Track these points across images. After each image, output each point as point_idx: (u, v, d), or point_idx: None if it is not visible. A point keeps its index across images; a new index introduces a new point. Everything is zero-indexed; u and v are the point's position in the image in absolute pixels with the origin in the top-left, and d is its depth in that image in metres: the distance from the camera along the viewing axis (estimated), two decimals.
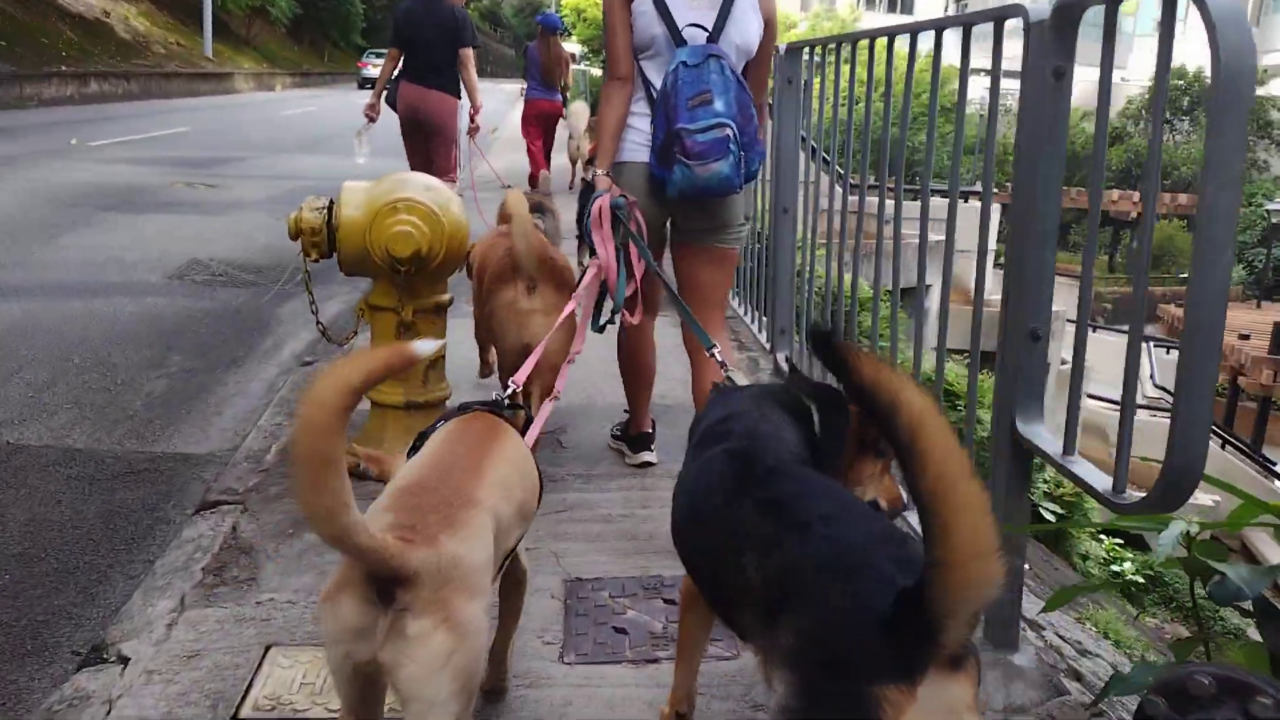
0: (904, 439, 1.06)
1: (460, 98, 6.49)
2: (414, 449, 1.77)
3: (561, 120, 10.00)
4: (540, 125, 9.44)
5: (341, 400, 1.24)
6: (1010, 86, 2.02)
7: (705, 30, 2.69)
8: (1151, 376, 17.41)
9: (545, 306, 3.02)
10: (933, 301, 3.35)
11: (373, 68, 27.98)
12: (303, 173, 11.50)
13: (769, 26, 2.82)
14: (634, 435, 3.31)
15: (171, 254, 6.86)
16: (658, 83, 2.70)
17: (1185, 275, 1.87)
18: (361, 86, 30.92)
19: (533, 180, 8.93)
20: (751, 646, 1.40)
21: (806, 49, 3.89)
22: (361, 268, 3.13)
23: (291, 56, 39.49)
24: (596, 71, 25.31)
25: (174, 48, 27.78)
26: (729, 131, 2.56)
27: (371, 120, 6.59)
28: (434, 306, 3.24)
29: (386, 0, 49.43)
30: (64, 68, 19.79)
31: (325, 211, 3.09)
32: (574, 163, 10.01)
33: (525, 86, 9.41)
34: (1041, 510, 5.78)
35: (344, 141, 15.60)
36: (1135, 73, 55.91)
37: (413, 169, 5.89)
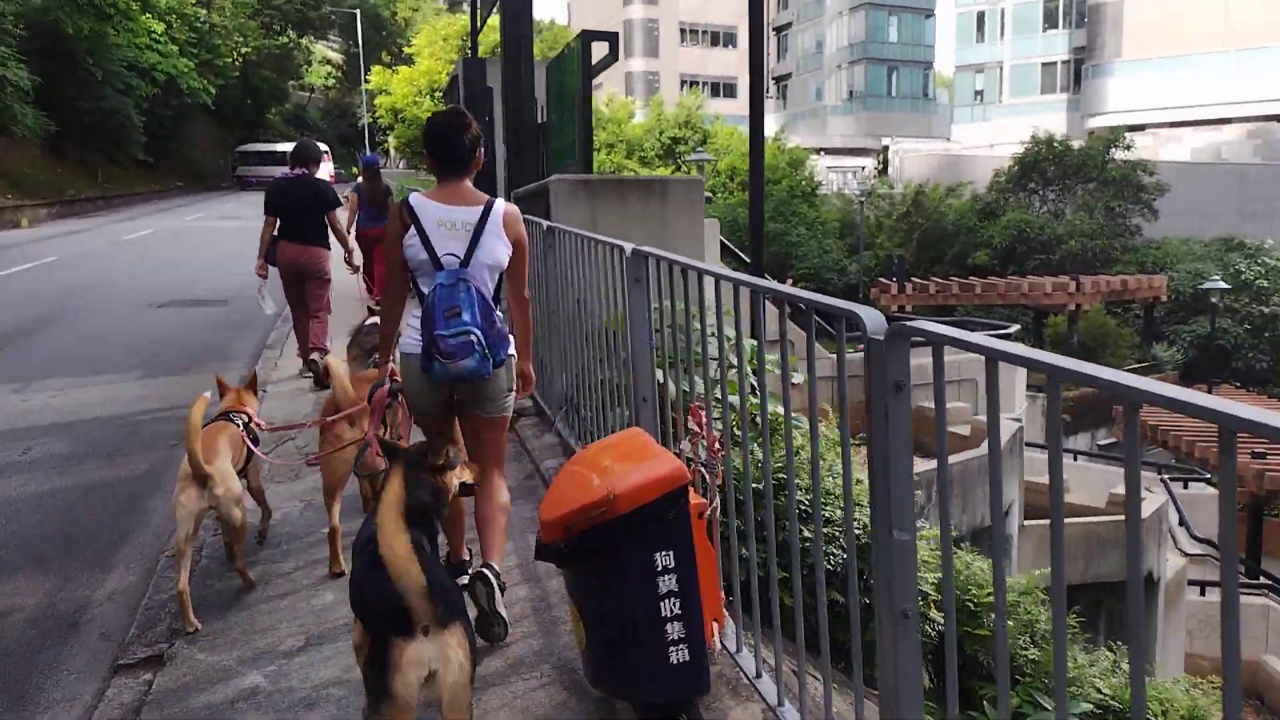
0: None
1: (330, 249, 7.68)
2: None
3: None
4: (375, 250, 10.10)
5: None
6: None
7: (458, 257, 3.41)
8: (1183, 523, 13.89)
9: (357, 434, 4.12)
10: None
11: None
12: None
13: (518, 245, 3.55)
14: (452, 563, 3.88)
15: None
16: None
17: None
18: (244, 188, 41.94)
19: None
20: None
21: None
22: None
23: (51, 180, 32.89)
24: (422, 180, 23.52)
25: None
26: (474, 337, 3.30)
27: (263, 277, 7.60)
28: None
29: (171, 109, 43.72)
30: None
31: None
32: None
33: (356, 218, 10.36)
34: None
35: (29, 340, 10.72)
36: (971, 141, 56.23)
37: (294, 309, 7.80)
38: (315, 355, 7.54)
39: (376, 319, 6.78)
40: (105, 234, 23.03)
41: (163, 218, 28.38)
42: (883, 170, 50.72)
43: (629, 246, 3.76)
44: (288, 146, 53.82)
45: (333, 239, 7.67)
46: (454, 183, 3.50)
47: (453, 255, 3.38)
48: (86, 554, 4.64)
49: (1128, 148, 33.33)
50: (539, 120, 8.48)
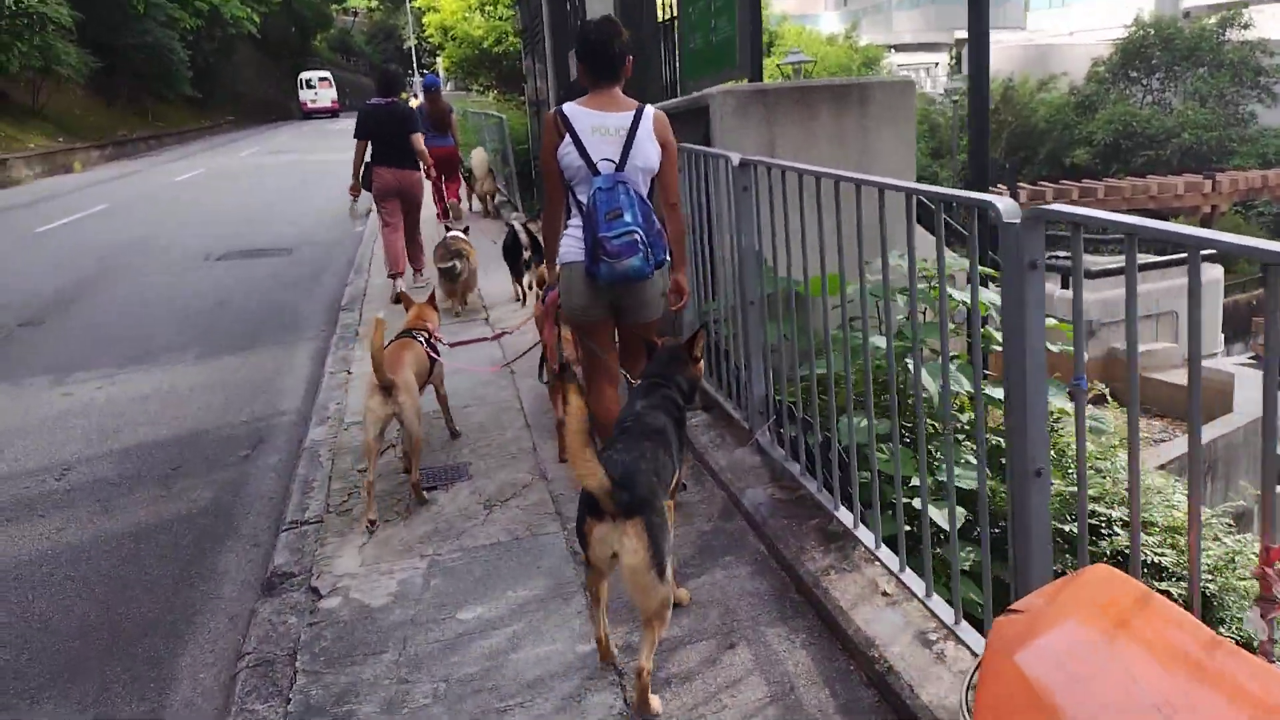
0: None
1: (419, 170, 8.32)
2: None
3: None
4: (439, 168, 10.31)
5: None
6: None
7: (613, 162, 3.46)
8: None
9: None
10: None
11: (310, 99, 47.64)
12: None
13: (666, 148, 3.56)
14: None
15: None
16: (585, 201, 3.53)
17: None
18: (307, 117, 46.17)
19: (445, 213, 10.09)
20: None
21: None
22: None
23: (100, 122, 31.79)
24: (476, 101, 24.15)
25: None
26: (637, 236, 3.39)
27: (355, 198, 8.45)
28: None
29: (216, 41, 42.20)
30: None
31: None
32: (482, 200, 13.64)
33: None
34: None
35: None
36: (1047, 30, 52.32)
37: (391, 228, 8.18)
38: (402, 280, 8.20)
39: (455, 233, 7.85)
40: (157, 176, 21.89)
41: (215, 155, 27.20)
42: (957, 66, 47.60)
43: (1003, 204, 2.20)
44: (314, 74, 53.67)
45: None
46: (606, 90, 3.52)
47: (608, 160, 3.44)
48: (138, 657, 3.33)
49: (1245, 26, 30.19)
50: (659, 18, 6.83)
